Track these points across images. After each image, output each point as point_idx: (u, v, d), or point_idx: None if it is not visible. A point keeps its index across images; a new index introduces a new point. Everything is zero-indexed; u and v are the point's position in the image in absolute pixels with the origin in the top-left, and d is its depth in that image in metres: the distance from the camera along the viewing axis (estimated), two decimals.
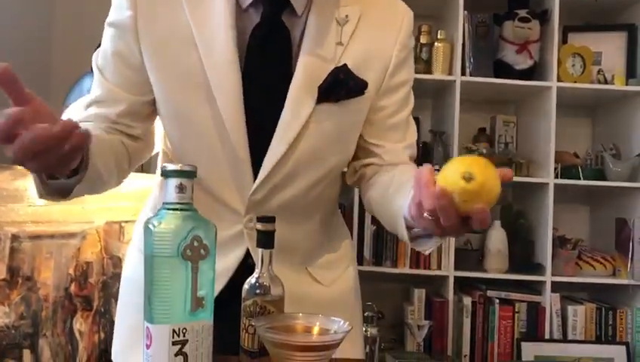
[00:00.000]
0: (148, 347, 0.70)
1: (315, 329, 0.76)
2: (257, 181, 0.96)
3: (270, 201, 0.98)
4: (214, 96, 0.93)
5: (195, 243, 0.71)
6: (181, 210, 0.72)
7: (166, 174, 0.72)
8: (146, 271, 0.71)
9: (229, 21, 0.94)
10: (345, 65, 0.96)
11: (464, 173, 0.71)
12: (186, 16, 0.94)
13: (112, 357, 1.09)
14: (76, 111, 0.99)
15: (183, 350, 0.71)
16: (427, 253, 0.96)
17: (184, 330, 0.71)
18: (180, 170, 0.72)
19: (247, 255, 0.98)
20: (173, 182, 0.72)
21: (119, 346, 1.09)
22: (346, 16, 0.98)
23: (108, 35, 0.99)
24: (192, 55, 0.94)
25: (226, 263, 0.97)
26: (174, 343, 0.70)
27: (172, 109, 0.98)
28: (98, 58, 1.00)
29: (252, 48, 0.96)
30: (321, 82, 0.95)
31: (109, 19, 0.99)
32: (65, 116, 0.98)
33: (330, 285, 1.06)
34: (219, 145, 0.95)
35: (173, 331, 0.70)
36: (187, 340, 0.71)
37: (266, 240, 0.81)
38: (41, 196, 0.82)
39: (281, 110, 0.95)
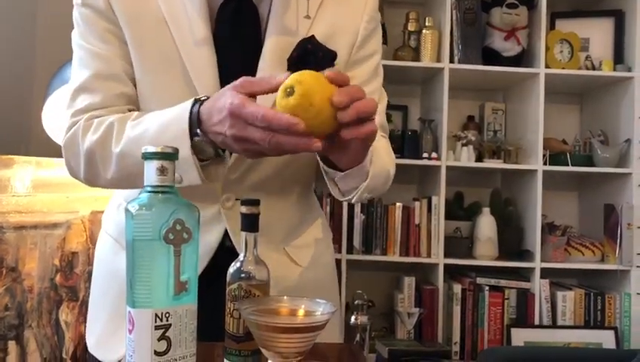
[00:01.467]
0: (130, 332, 0.69)
1: (300, 312, 0.75)
2: (232, 159, 0.95)
3: (246, 180, 0.98)
4: (191, 78, 0.93)
5: (178, 227, 0.70)
6: (162, 192, 0.70)
7: (146, 156, 0.71)
8: (127, 255, 0.70)
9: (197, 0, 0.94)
10: (312, 36, 0.96)
11: (287, 87, 0.73)
12: None
13: (90, 349, 1.06)
14: (98, 94, 0.95)
15: (167, 334, 0.69)
16: (354, 200, 0.97)
17: (167, 314, 0.69)
18: (161, 151, 0.70)
19: (226, 236, 0.97)
20: (154, 164, 0.70)
21: (95, 337, 1.06)
22: None
23: (84, 15, 0.96)
24: (165, 33, 0.94)
25: (204, 245, 0.95)
26: (157, 327, 0.69)
27: (149, 89, 0.97)
28: (86, 39, 0.97)
29: (221, 26, 0.95)
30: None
31: (78, 0, 0.97)
32: (83, 100, 0.95)
33: (308, 267, 1.06)
34: None
35: (156, 315, 0.68)
36: (170, 324, 0.70)
37: (250, 223, 0.80)
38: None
39: None
